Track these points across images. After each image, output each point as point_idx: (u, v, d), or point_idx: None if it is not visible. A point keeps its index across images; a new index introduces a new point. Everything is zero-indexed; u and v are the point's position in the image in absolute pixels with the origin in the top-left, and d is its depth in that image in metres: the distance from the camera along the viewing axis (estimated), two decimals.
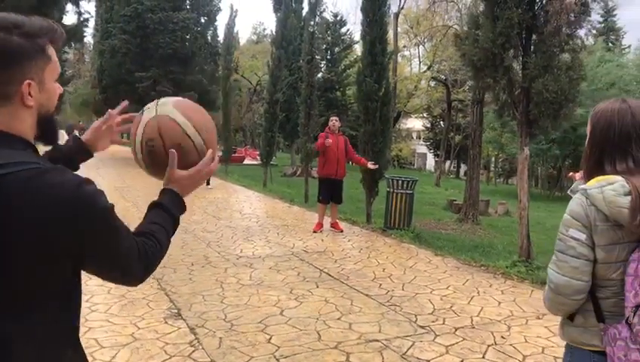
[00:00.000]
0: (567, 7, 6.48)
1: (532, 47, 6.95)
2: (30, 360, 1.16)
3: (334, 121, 9.38)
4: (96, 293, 5.26)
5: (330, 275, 6.49)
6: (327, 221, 9.55)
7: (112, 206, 1.23)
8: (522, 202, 7.16)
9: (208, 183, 14.63)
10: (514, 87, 7.01)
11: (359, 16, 10.23)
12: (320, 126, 14.77)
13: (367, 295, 5.73)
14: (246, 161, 32.56)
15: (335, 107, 31.72)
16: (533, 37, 6.97)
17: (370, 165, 9.42)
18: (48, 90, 1.23)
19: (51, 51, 1.22)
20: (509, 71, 6.93)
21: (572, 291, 1.71)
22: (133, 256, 1.27)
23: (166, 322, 4.69)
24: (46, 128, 1.26)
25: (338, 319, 4.93)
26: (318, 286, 5.98)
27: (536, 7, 6.86)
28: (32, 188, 1.09)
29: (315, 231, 9.26)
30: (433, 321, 4.96)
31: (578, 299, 1.73)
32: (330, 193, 9.36)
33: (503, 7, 6.70)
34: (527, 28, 6.89)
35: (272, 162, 18.73)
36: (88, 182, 1.19)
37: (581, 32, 6.93)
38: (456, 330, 4.74)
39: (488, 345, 4.42)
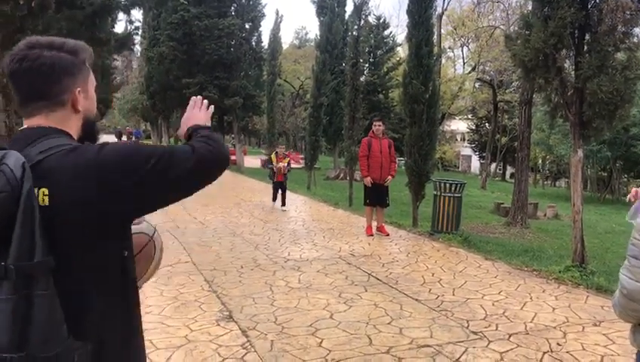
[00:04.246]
0: (622, 4, 6.27)
1: (585, 46, 6.76)
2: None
3: (378, 126, 9.29)
4: (150, 295, 5.39)
5: (378, 279, 6.47)
6: (373, 224, 9.51)
7: (137, 140, 1.36)
8: (576, 205, 6.96)
9: (284, 204, 12.78)
10: (567, 88, 6.83)
11: (402, 18, 10.28)
12: (364, 129, 14.72)
13: (416, 299, 5.68)
14: None
15: (378, 110, 31.59)
16: (587, 36, 6.78)
17: (388, 181, 9.29)
18: (91, 98, 1.47)
19: (89, 65, 1.45)
20: (561, 71, 6.76)
21: None
22: (185, 149, 1.38)
23: (218, 324, 4.77)
24: (88, 131, 1.48)
25: (388, 323, 4.91)
26: (366, 290, 5.96)
27: (589, 6, 6.67)
28: (68, 161, 1.29)
29: (369, 235, 9.24)
30: (486, 327, 4.88)
31: None
32: (375, 197, 9.32)
33: (555, 7, 6.54)
34: (580, 27, 6.71)
35: (315, 165, 18.79)
36: (107, 144, 1.36)
37: (638, 30, 6.69)
38: (510, 336, 4.65)
39: (544, 352, 4.31)
